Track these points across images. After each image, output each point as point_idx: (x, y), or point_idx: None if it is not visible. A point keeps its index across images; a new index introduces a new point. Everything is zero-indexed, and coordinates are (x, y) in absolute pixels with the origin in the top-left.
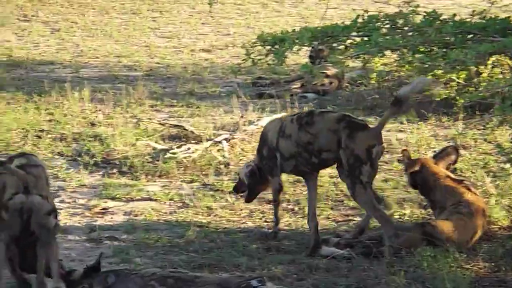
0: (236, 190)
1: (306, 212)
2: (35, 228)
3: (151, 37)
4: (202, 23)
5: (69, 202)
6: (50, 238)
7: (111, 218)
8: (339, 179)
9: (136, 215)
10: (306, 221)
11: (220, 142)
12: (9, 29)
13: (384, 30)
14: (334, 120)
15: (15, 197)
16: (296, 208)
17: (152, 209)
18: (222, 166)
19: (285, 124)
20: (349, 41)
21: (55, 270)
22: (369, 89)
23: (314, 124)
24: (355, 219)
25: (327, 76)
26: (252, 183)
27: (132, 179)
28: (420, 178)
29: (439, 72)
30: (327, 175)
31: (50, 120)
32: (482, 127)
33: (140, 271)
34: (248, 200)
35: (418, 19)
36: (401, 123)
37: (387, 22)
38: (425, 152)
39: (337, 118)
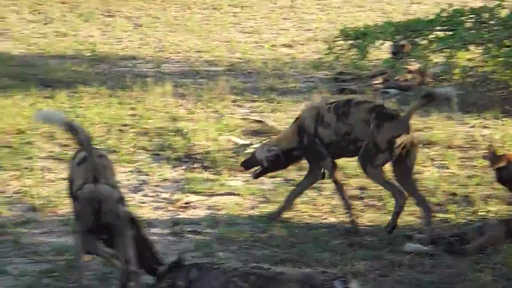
0: (246, 166)
1: (389, 208)
2: (107, 216)
3: (232, 32)
4: (283, 18)
5: (152, 196)
6: (123, 225)
7: (194, 212)
8: (422, 176)
9: (218, 210)
10: (389, 217)
11: None
12: (94, 25)
13: (469, 24)
14: (367, 111)
15: (84, 187)
16: (379, 204)
17: (235, 203)
18: (303, 161)
19: (322, 113)
20: (432, 35)
21: (132, 257)
22: (452, 85)
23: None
24: (439, 215)
25: (410, 71)
26: (271, 167)
27: (214, 174)
28: (507, 173)
29: None
30: None
31: (132, 115)
32: None
33: (222, 265)
34: (258, 177)
35: (504, 13)
36: (485, 119)
37: (472, 16)
38: (510, 149)
39: (369, 108)
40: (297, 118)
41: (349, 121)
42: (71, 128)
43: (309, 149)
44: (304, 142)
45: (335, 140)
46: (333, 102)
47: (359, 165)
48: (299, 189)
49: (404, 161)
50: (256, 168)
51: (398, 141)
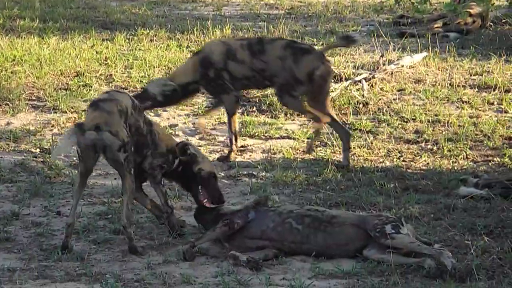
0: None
1: (445, 152)
2: (109, 161)
3: None
4: None
5: (208, 139)
6: (124, 172)
7: (250, 155)
8: (479, 120)
9: (274, 153)
10: (444, 161)
11: (359, 81)
12: None
13: None
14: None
15: (85, 133)
16: (435, 148)
17: (290, 147)
18: (360, 106)
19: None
20: None
21: (125, 203)
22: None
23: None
24: (495, 159)
25: (471, 15)
26: (165, 102)
27: (271, 117)
28: None
29: None
30: (467, 115)
31: None
32: None
33: (279, 207)
34: (148, 109)
35: None
36: None
37: None
38: None
39: (284, 45)
40: (197, 53)
41: (265, 58)
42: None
43: (214, 82)
44: (209, 75)
45: (250, 75)
46: (244, 39)
47: (276, 95)
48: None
49: (320, 90)
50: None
51: (317, 72)
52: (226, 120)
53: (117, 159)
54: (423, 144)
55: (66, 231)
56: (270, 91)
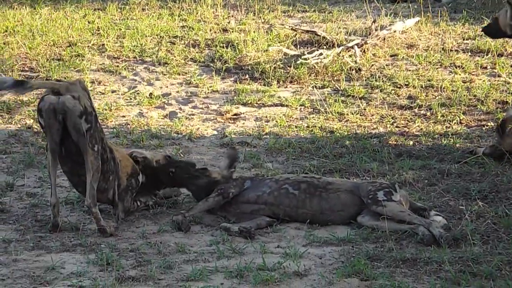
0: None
1: (438, 117)
2: (71, 131)
3: None
4: None
5: (201, 108)
6: (86, 146)
7: (243, 123)
8: (472, 84)
9: (267, 121)
10: (438, 126)
11: (352, 47)
12: None
13: None
14: None
15: (45, 97)
16: (428, 113)
17: (283, 114)
18: (353, 72)
19: None
20: None
21: (88, 181)
22: None
23: None
24: (488, 124)
25: None
26: None
27: (263, 85)
28: None
29: None
30: (460, 80)
31: (183, 27)
32: None
33: (275, 176)
34: None
35: None
36: None
37: None
38: None
39: None
40: None
41: None
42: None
43: None
44: None
45: None
46: None
47: None
48: None
49: None
50: None
51: None
52: (219, 88)
53: (79, 128)
54: (416, 110)
55: (52, 211)
56: (263, 58)
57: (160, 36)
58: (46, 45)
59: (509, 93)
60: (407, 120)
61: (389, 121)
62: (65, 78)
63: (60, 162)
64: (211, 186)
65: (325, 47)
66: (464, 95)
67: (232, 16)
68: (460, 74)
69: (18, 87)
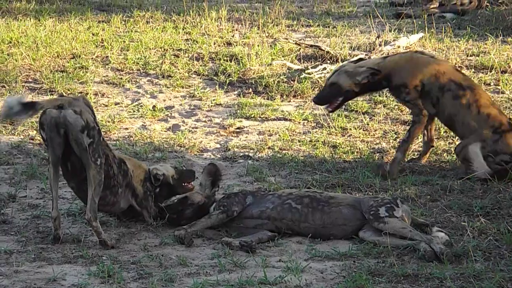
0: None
1: (441, 133)
2: (73, 145)
3: None
4: None
5: (204, 121)
6: (88, 160)
7: (246, 137)
8: None
9: (270, 135)
10: (441, 142)
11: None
12: None
13: None
14: None
15: (46, 111)
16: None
17: (286, 128)
18: None
19: None
20: None
21: (89, 196)
22: (510, 9)
23: None
24: None
25: None
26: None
27: (267, 99)
28: None
29: None
30: None
31: (187, 40)
32: None
33: (277, 191)
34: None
35: None
36: None
37: None
38: None
39: None
40: None
41: None
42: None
43: None
44: None
45: None
46: None
47: None
48: None
49: None
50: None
51: None
52: (222, 101)
53: (80, 142)
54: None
55: (53, 224)
56: (266, 72)
57: (164, 49)
58: (50, 57)
59: None
60: None
61: (392, 137)
62: (69, 90)
63: (66, 179)
64: (200, 211)
65: (329, 61)
66: None
67: (236, 29)
68: None
69: (29, 110)
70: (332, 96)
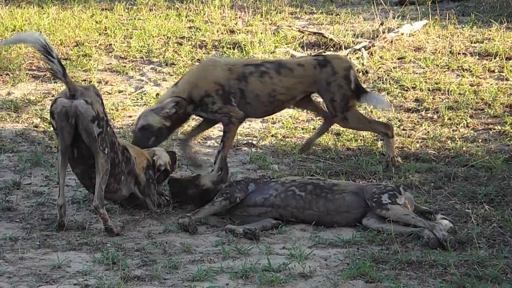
0: None
1: (445, 120)
2: (82, 135)
3: None
4: None
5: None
6: (97, 149)
7: (249, 125)
8: (480, 87)
9: (273, 123)
10: (445, 129)
11: (359, 49)
12: None
13: None
14: None
15: (57, 100)
16: (435, 117)
17: (290, 116)
18: (360, 74)
19: None
20: None
21: (97, 183)
22: None
23: None
24: (496, 127)
25: None
26: None
27: None
28: None
29: None
30: (468, 83)
31: (190, 27)
32: None
33: (280, 179)
34: None
35: None
36: None
37: None
38: None
39: None
40: None
41: None
42: (47, 52)
43: None
44: None
45: None
46: None
47: None
48: None
49: None
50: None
51: None
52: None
53: (90, 132)
54: (423, 113)
55: (58, 212)
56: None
57: (167, 37)
58: (53, 45)
59: None
60: (414, 123)
61: (396, 124)
62: (72, 78)
63: (71, 165)
64: (203, 195)
65: (332, 49)
66: (471, 99)
67: (239, 17)
68: (467, 77)
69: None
70: (147, 139)
